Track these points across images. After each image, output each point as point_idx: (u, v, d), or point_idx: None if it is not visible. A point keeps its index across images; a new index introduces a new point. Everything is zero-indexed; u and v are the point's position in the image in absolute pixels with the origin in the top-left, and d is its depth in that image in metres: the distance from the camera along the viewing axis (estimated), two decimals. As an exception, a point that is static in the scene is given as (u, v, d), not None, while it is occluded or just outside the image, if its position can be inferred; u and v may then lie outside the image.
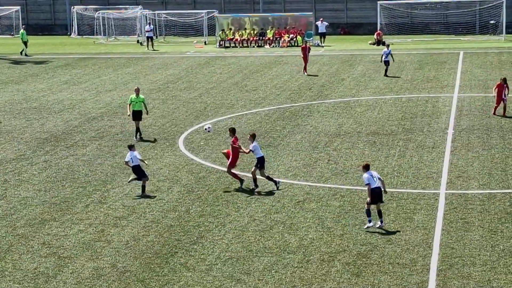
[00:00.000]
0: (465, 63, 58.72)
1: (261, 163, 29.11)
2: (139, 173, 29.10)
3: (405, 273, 21.66)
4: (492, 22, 74.48)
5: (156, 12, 79.01)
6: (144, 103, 37.93)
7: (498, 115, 40.43)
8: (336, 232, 24.81)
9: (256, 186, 29.19)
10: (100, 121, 41.93)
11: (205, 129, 30.48)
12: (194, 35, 78.88)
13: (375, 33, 72.65)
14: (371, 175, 24.86)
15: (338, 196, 28.30)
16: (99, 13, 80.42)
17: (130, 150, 29.30)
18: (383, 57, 54.49)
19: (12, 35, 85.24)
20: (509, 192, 28.27)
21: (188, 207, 27.62)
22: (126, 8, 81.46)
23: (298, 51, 68.84)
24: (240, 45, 73.74)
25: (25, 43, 68.74)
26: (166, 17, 79.52)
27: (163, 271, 22.15)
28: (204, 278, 21.66)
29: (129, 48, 73.96)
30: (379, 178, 25.06)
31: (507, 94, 40.97)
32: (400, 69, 56.43)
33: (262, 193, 28.91)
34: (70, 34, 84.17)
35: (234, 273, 22.00)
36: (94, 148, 36.25)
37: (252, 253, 23.40)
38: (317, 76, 53.49)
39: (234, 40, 74.30)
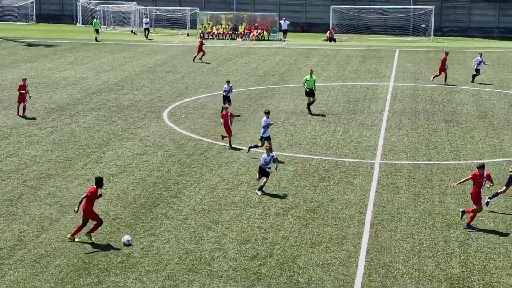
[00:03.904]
0: (400, 58, 58.88)
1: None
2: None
3: (344, 225, 21.85)
4: (422, 26, 74.60)
5: (148, 7, 78.28)
6: (314, 83, 37.58)
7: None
8: (290, 191, 24.93)
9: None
10: (98, 96, 41.58)
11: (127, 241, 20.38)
12: (178, 28, 78.27)
13: (328, 32, 72.58)
14: None
15: (293, 163, 28.41)
16: (100, 6, 79.55)
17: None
18: (475, 65, 46.77)
19: (27, 22, 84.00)
20: (431, 164, 28.57)
21: (169, 168, 27.58)
22: (122, 4, 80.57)
23: (264, 45, 68.73)
24: (217, 37, 73.30)
25: (97, 30, 67.72)
26: (156, 12, 78.81)
27: (147, 219, 22.15)
28: (181, 226, 21.70)
29: (124, 37, 73.24)
30: None
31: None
32: (346, 62, 56.51)
33: (231, 159, 28.94)
34: (76, 23, 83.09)
35: (206, 222, 22.06)
36: (93, 117, 35.98)
37: (221, 206, 23.47)
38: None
39: (212, 33, 73.85)
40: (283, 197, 24.38)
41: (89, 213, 20.22)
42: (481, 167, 21.78)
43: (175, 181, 25.99)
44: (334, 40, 71.06)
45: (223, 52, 62.49)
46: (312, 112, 37.30)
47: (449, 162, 28.83)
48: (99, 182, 20.40)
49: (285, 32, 72.75)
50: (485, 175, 21.70)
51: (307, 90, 37.44)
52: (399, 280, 18.29)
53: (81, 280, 18.07)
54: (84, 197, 20.18)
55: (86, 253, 19.56)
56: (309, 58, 58.63)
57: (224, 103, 36.01)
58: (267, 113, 29.23)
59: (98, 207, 22.98)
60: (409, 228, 21.66)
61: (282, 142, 31.73)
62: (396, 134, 33.22)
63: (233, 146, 30.31)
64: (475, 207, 21.63)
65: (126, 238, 20.41)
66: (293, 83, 46.69)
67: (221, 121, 30.57)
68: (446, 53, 46.79)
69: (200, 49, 55.59)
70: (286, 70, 52.44)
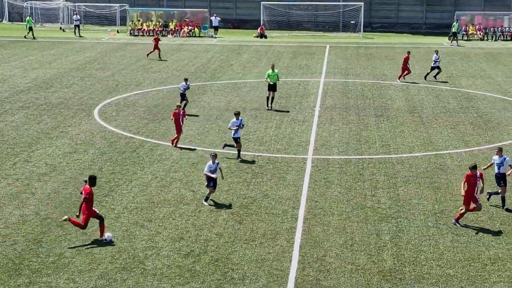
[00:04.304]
0: (330, 54, 59.53)
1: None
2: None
3: (278, 221, 21.99)
4: (352, 22, 75.59)
5: (76, 4, 77.10)
6: (277, 77, 37.91)
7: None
8: (223, 188, 24.91)
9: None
10: (27, 94, 40.79)
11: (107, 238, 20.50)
12: (108, 25, 77.37)
13: (259, 28, 72.85)
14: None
15: (226, 159, 28.40)
16: (27, 3, 78.01)
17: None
18: (433, 62, 46.84)
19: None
20: (362, 158, 28.98)
21: (101, 166, 27.26)
22: (51, 0, 79.19)
23: (195, 41, 68.51)
24: (147, 34, 72.76)
25: (31, 28, 66.19)
26: (85, 9, 77.74)
27: (79, 218, 21.80)
28: (114, 224, 21.48)
29: (53, 34, 71.98)
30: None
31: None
32: (278, 58, 56.78)
33: (163, 156, 28.77)
34: (2, 20, 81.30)
35: (139, 220, 21.90)
36: (22, 116, 35.29)
37: (154, 204, 23.33)
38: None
39: (142, 30, 73.27)
40: (217, 193, 24.35)
41: (91, 213, 20.04)
42: (474, 167, 21.36)
43: (107, 179, 25.70)
44: (265, 37, 71.29)
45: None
46: (272, 108, 37.50)
47: (380, 156, 29.29)
48: (92, 180, 20.17)
49: (216, 28, 72.72)
50: (478, 175, 21.36)
51: (270, 84, 37.72)
52: (332, 274, 18.51)
53: (11, 281, 17.71)
54: (83, 201, 19.95)
55: (16, 254, 19.17)
56: (241, 55, 58.72)
57: (182, 101, 35.76)
58: (236, 114, 28.85)
59: (29, 207, 22.62)
60: (342, 222, 21.94)
61: (215, 139, 31.71)
62: (327, 129, 33.57)
63: (178, 146, 30.01)
64: (472, 207, 21.50)
65: (107, 235, 20.30)
66: (225, 80, 46.69)
67: (172, 118, 30.16)
68: (408, 52, 46.95)
69: (156, 46, 54.99)
70: (218, 66, 52.41)
